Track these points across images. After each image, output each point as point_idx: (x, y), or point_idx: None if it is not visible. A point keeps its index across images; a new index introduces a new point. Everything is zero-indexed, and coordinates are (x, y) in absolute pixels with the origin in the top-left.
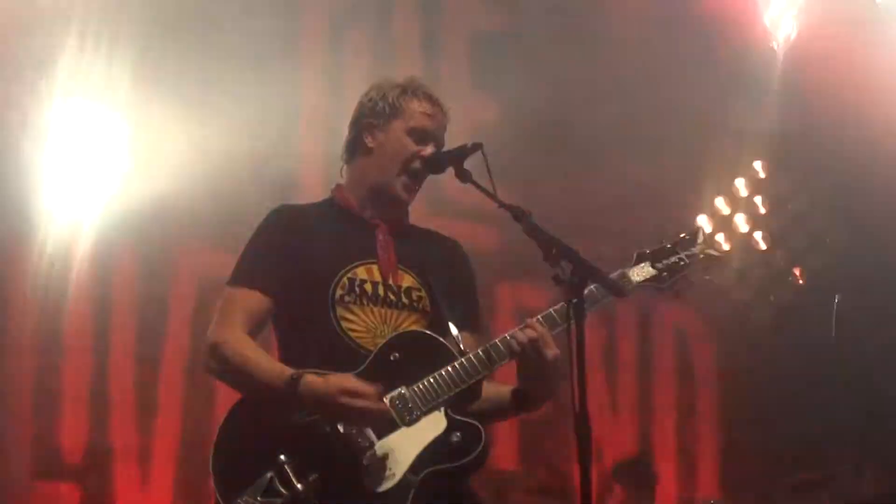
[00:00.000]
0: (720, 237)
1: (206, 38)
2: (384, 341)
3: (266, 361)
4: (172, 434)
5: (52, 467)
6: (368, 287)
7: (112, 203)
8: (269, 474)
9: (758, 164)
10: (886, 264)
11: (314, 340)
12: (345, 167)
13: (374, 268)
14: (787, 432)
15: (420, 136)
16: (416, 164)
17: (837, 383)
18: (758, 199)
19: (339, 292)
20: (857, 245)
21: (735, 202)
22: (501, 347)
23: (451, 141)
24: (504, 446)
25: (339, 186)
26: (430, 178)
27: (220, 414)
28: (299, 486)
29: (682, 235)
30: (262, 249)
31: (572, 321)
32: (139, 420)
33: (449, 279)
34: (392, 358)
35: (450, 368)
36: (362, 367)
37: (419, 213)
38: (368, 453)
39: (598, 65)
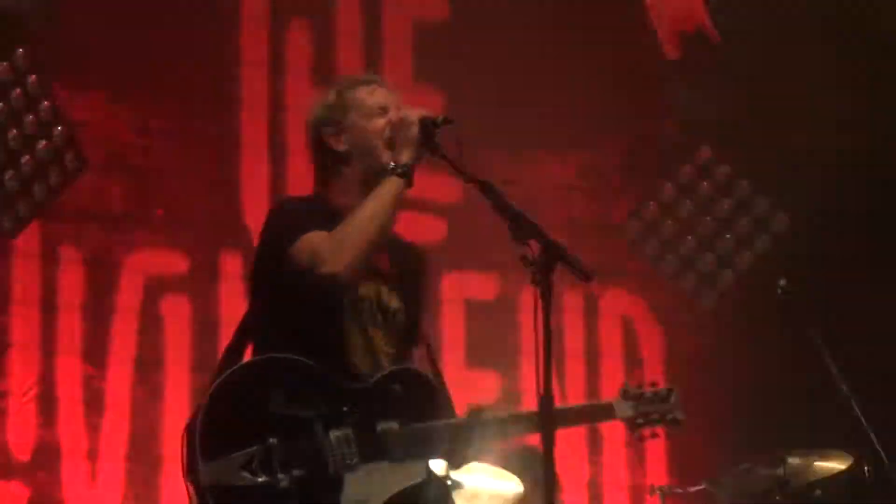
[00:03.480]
0: (667, 223)
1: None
2: (390, 370)
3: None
4: (120, 430)
5: (1, 466)
6: (366, 305)
7: (59, 200)
8: (253, 450)
9: (702, 149)
10: (826, 249)
11: (312, 345)
12: (324, 187)
13: (372, 285)
14: (735, 418)
15: (381, 112)
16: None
17: (784, 368)
18: (703, 185)
19: (346, 304)
20: (800, 230)
21: (680, 188)
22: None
23: None
24: None
25: (327, 188)
26: None
27: (168, 410)
28: (281, 476)
29: (661, 389)
30: (301, 212)
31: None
32: (87, 417)
33: (417, 295)
34: (393, 388)
35: (445, 424)
36: (362, 387)
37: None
38: (351, 473)
39: (540, 52)
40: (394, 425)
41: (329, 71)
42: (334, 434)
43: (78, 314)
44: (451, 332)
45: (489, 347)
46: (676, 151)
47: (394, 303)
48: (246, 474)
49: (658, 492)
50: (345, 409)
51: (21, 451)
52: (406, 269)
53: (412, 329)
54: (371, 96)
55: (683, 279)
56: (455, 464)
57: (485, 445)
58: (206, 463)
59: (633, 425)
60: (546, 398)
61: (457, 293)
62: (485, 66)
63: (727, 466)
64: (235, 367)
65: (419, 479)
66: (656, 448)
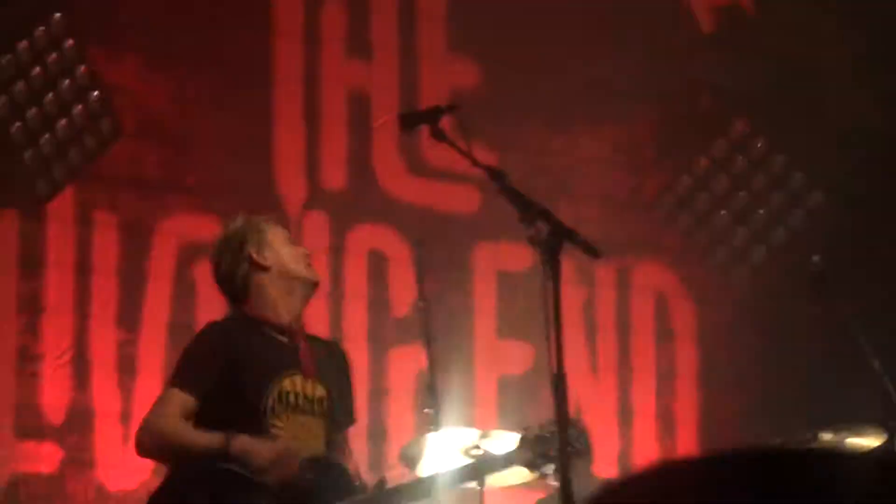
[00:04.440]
0: (701, 197)
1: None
2: (305, 459)
3: (200, 433)
4: (153, 394)
5: (34, 427)
6: (292, 397)
7: (94, 165)
8: None
9: (737, 123)
10: (861, 223)
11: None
12: (240, 304)
13: (298, 378)
14: (766, 393)
15: (291, 241)
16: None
17: (816, 345)
18: (738, 159)
19: (270, 402)
20: (834, 206)
21: (714, 162)
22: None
23: (429, 104)
24: (484, 407)
25: (241, 307)
26: (408, 138)
27: None
28: None
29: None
30: (198, 357)
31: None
32: (120, 381)
33: (339, 383)
34: (306, 476)
35: (358, 499)
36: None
37: (398, 173)
38: None
39: (575, 23)
40: None
41: (364, 41)
42: None
43: (112, 279)
44: (482, 303)
45: (521, 319)
46: (711, 125)
47: (319, 392)
48: None
49: None
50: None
51: (54, 413)
52: (329, 362)
53: (340, 413)
54: (276, 227)
55: (716, 254)
56: None
57: None
58: None
59: (532, 468)
60: (558, 377)
61: (489, 264)
62: (520, 38)
63: (758, 441)
64: (163, 482)
65: None
66: (687, 422)
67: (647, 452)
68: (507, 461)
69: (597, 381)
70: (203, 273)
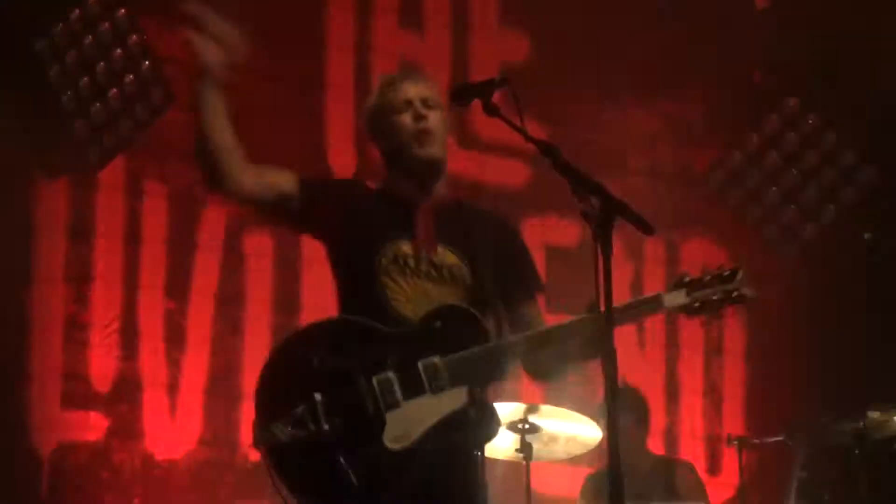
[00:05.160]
0: (751, 174)
1: None
2: (430, 309)
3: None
4: (200, 365)
5: (82, 396)
6: (411, 261)
7: (145, 134)
8: (301, 408)
9: (789, 99)
10: None
11: (361, 303)
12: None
13: (410, 242)
14: (815, 371)
15: (405, 106)
16: (417, 125)
17: (866, 322)
18: (789, 135)
19: (383, 261)
20: (886, 183)
21: (765, 138)
22: (529, 339)
23: (480, 76)
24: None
25: (389, 179)
26: (460, 112)
27: (248, 346)
28: (325, 425)
29: (722, 271)
30: (324, 184)
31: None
32: (167, 351)
33: (496, 255)
34: (433, 326)
35: (481, 348)
36: (405, 330)
37: (448, 146)
38: (392, 411)
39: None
40: (434, 359)
41: (416, 13)
42: (376, 379)
43: (161, 249)
44: None
45: (570, 294)
46: (763, 101)
47: (449, 259)
48: (295, 430)
49: (735, 442)
50: (386, 354)
51: (102, 382)
52: (476, 234)
53: (480, 288)
54: (396, 93)
55: (766, 230)
56: (494, 379)
57: (525, 360)
58: (263, 428)
59: (690, 311)
60: (609, 354)
61: (538, 239)
62: (571, 11)
63: (805, 419)
64: (285, 336)
65: (459, 405)
66: (734, 398)
67: (693, 428)
68: (657, 304)
69: (644, 357)
70: (252, 244)
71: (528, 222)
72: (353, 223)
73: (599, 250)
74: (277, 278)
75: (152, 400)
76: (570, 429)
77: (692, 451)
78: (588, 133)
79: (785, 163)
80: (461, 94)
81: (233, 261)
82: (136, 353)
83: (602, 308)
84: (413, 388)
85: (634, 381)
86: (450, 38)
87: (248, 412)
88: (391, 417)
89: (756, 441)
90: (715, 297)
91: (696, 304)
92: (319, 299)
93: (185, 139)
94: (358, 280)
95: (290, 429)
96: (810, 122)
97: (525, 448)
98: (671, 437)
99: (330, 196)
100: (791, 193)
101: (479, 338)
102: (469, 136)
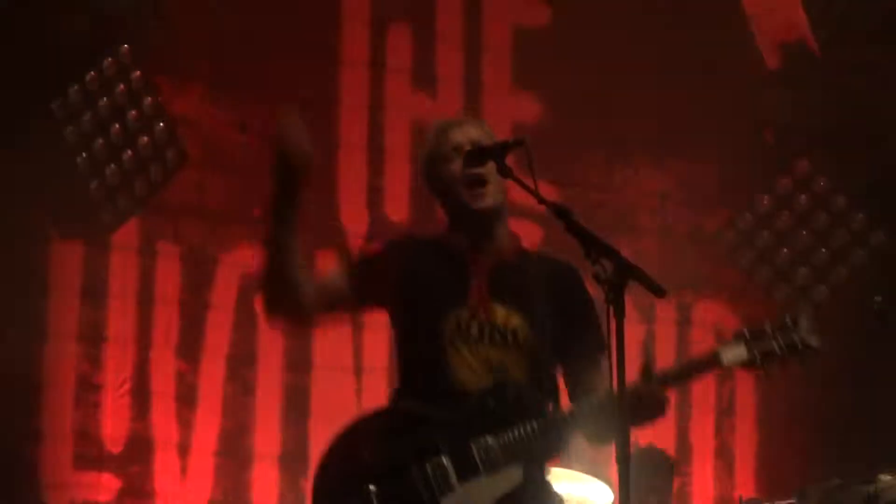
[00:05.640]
0: (762, 235)
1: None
2: (485, 387)
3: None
4: (212, 426)
5: (94, 457)
6: (475, 328)
7: (158, 194)
8: (356, 502)
9: (801, 161)
10: None
11: (423, 376)
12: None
13: (475, 307)
14: (827, 433)
15: (455, 153)
16: (463, 171)
17: (878, 385)
18: (801, 198)
19: (447, 331)
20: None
21: (777, 200)
22: (587, 407)
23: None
24: None
25: (448, 229)
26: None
27: (259, 406)
28: None
29: (783, 319)
30: (373, 257)
31: (612, 319)
32: (179, 412)
33: (557, 312)
34: (488, 404)
35: (534, 423)
36: (459, 412)
37: None
38: (446, 496)
39: (639, 60)
40: (488, 439)
41: (429, 74)
42: (429, 465)
43: (174, 309)
44: None
45: None
46: (774, 163)
47: (513, 321)
48: None
49: None
50: (439, 438)
51: (114, 443)
52: (537, 287)
53: (542, 350)
54: (445, 140)
55: (777, 292)
56: (552, 453)
57: (576, 437)
58: None
59: (753, 366)
60: (622, 415)
61: None
62: (584, 72)
63: (817, 481)
64: (336, 433)
65: (515, 483)
66: (745, 460)
67: (705, 489)
68: (714, 362)
69: None
70: None
71: None
72: (412, 288)
73: (612, 313)
74: (289, 338)
75: (164, 461)
76: (581, 490)
77: None
78: (599, 194)
79: (796, 225)
80: (476, 156)
81: (245, 321)
82: (148, 413)
83: (652, 368)
84: (467, 471)
85: (645, 442)
86: (462, 99)
87: (258, 473)
88: (446, 503)
89: (767, 503)
90: (778, 352)
91: (758, 360)
92: (331, 359)
93: (198, 199)
94: (421, 352)
95: None
96: (821, 184)
97: None
98: (682, 499)
99: (378, 271)
100: (803, 255)
101: (534, 412)
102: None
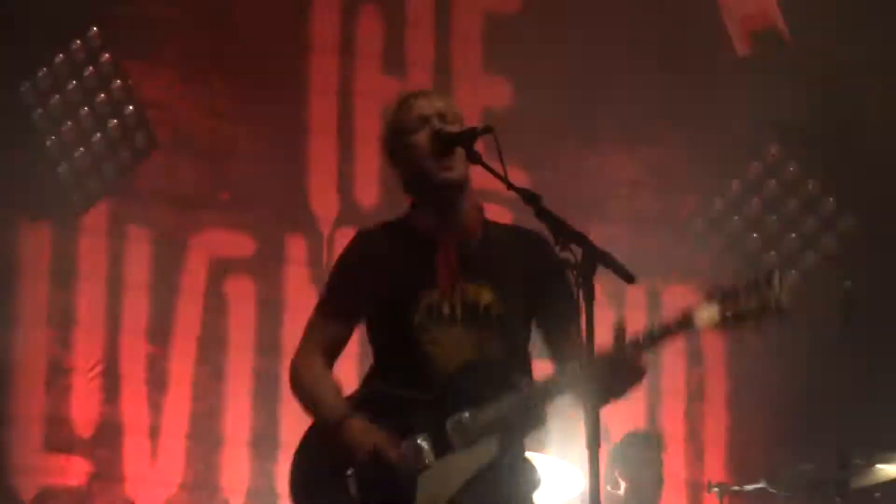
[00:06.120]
0: (732, 221)
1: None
2: (456, 367)
3: (331, 397)
4: (182, 409)
5: (64, 440)
6: (446, 308)
7: (127, 177)
8: (333, 484)
9: (771, 147)
10: (893, 248)
11: (399, 364)
12: (410, 208)
13: (441, 289)
14: (796, 417)
15: (421, 123)
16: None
17: (847, 369)
18: (771, 183)
19: (416, 318)
20: (866, 232)
21: (747, 185)
22: (562, 381)
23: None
24: None
25: (411, 209)
26: None
27: (230, 390)
28: (359, 500)
29: (758, 278)
30: (342, 278)
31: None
32: (149, 395)
33: (528, 280)
34: (461, 384)
35: (509, 397)
36: (432, 392)
37: None
38: (423, 474)
39: (609, 46)
40: (462, 416)
41: (399, 58)
42: (405, 445)
43: (143, 293)
44: None
45: None
46: (745, 149)
47: (485, 296)
48: None
49: (716, 489)
50: (415, 419)
51: (84, 427)
52: (506, 259)
53: (513, 324)
54: (409, 110)
55: (747, 277)
56: (530, 427)
57: (550, 409)
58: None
59: (725, 327)
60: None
61: None
62: (554, 58)
63: (787, 465)
64: (305, 433)
65: (490, 457)
66: (715, 445)
67: (675, 474)
68: (687, 323)
69: (625, 404)
70: (234, 288)
71: None
72: (381, 277)
73: (581, 298)
74: (260, 322)
75: (134, 444)
76: (553, 475)
77: (673, 498)
78: (569, 179)
79: (766, 210)
80: (444, 142)
81: (215, 305)
82: (119, 397)
83: (624, 335)
84: (444, 449)
85: (616, 428)
86: (432, 84)
87: (229, 456)
88: (423, 481)
89: (737, 488)
90: (752, 308)
91: (730, 320)
92: None
93: (168, 183)
94: (393, 339)
95: None
96: (791, 169)
97: None
98: None
99: (358, 289)
100: (772, 240)
101: (508, 387)
102: None
